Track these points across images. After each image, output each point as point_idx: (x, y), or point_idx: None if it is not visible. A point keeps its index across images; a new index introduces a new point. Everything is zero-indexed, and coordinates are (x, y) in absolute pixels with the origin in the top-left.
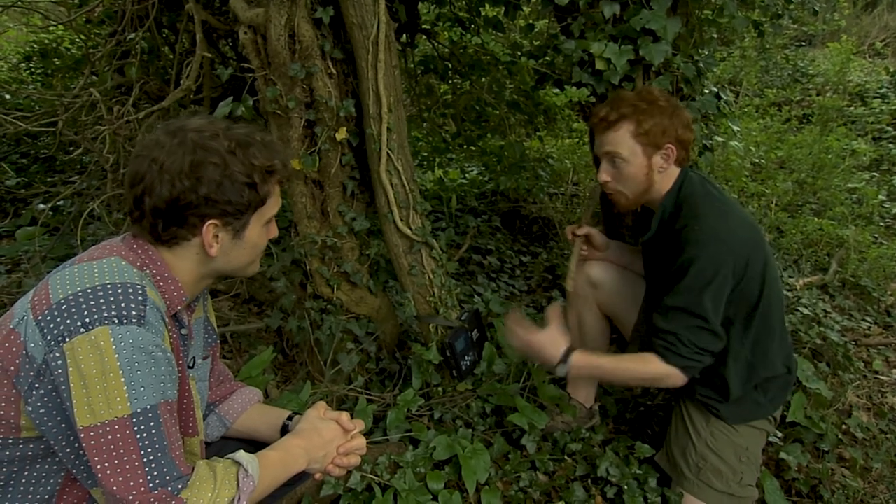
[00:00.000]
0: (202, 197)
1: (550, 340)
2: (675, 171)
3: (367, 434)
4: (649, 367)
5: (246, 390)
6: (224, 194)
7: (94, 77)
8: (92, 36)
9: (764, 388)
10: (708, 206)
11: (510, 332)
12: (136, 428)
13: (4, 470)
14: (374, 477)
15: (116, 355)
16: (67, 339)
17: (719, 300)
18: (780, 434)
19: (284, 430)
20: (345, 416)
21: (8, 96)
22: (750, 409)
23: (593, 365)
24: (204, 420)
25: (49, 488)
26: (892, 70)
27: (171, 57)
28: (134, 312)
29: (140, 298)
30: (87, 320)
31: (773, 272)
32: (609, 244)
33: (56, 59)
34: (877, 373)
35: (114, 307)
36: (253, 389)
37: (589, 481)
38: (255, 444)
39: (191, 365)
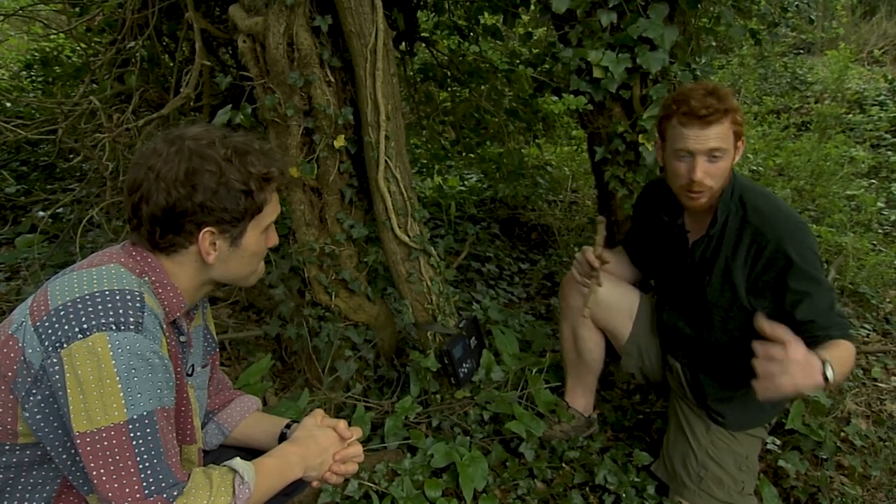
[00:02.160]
0: (197, 205)
1: (805, 358)
2: None
3: (364, 441)
4: (850, 350)
5: (244, 399)
6: (220, 202)
7: (94, 85)
8: (92, 44)
9: None
10: (770, 197)
11: (768, 380)
12: (132, 434)
13: (1, 476)
14: (371, 484)
15: (113, 361)
16: (65, 346)
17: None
18: (778, 441)
19: (282, 439)
20: (342, 423)
21: (8, 104)
22: (754, 416)
23: (838, 362)
24: (202, 428)
25: (46, 494)
26: (890, 78)
27: (171, 65)
28: (132, 319)
29: (138, 305)
30: (85, 326)
31: None
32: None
33: (56, 67)
34: (875, 380)
35: (111, 314)
36: (251, 398)
37: (587, 489)
38: (253, 453)
39: (189, 372)
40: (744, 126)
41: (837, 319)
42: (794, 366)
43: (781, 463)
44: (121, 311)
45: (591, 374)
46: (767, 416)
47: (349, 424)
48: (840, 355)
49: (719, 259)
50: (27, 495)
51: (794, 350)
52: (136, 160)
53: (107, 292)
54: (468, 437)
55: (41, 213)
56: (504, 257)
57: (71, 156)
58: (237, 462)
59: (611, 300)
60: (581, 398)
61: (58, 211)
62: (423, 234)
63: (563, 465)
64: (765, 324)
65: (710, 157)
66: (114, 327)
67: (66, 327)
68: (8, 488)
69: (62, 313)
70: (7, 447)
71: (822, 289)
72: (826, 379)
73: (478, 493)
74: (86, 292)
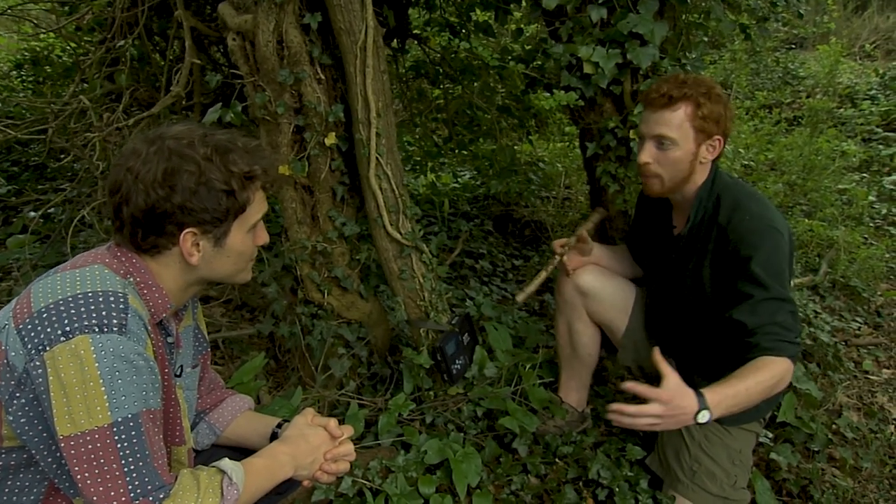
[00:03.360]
0: (177, 206)
1: (679, 392)
2: (709, 165)
3: (358, 439)
4: (772, 370)
5: (236, 398)
6: (200, 202)
7: (85, 84)
8: (82, 43)
9: None
10: (748, 197)
11: (620, 414)
12: (116, 437)
13: None
14: (365, 482)
15: (97, 364)
16: (48, 348)
17: (789, 283)
18: (770, 434)
19: (274, 438)
20: (333, 422)
21: None
22: (746, 412)
23: (729, 399)
24: (194, 428)
25: (32, 498)
26: (881, 72)
27: (161, 63)
28: (115, 321)
29: (121, 307)
30: (68, 329)
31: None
32: (593, 246)
33: (47, 67)
34: (867, 373)
35: (94, 316)
36: (244, 397)
37: (580, 484)
38: (245, 452)
39: (178, 373)
40: (719, 124)
41: (773, 329)
42: (665, 419)
43: (773, 455)
44: (104, 312)
45: (585, 368)
46: (761, 411)
47: (343, 422)
48: (740, 379)
49: (692, 254)
50: (14, 498)
51: (657, 407)
52: (117, 161)
53: (90, 294)
54: (462, 434)
55: (32, 214)
56: (497, 254)
57: (62, 155)
58: (225, 463)
59: (606, 294)
60: (575, 393)
61: (49, 211)
62: (414, 231)
63: (557, 460)
64: (630, 385)
65: (658, 143)
66: (97, 329)
67: (49, 330)
68: None
69: (45, 315)
70: None
71: (769, 295)
72: (700, 422)
73: (471, 488)
74: (69, 294)
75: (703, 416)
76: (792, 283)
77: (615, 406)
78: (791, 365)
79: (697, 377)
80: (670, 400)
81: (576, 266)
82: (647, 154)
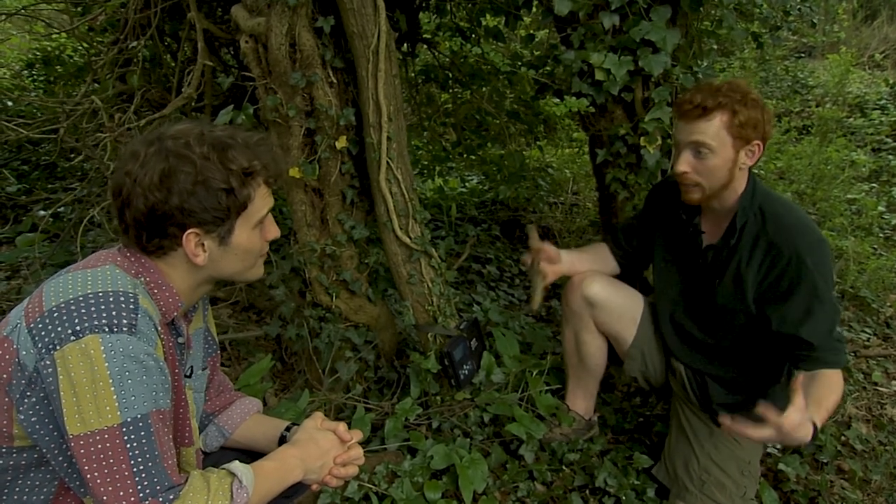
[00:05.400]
0: (175, 207)
1: (801, 420)
2: (746, 172)
3: (364, 443)
4: (840, 383)
5: (245, 401)
6: (198, 202)
7: (96, 84)
8: (94, 44)
9: (773, 399)
10: (790, 209)
11: (743, 430)
12: (126, 437)
13: None
14: (371, 486)
15: (106, 364)
16: (58, 347)
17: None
18: (778, 445)
19: (282, 441)
20: (342, 426)
21: (10, 103)
22: (758, 421)
23: (824, 415)
24: (203, 430)
25: (43, 497)
26: (891, 81)
27: (173, 65)
28: (125, 321)
29: (132, 307)
30: (78, 328)
31: None
32: (560, 253)
33: (58, 67)
34: (876, 384)
35: (104, 315)
36: (252, 400)
37: (587, 492)
38: (253, 455)
39: (188, 374)
40: (756, 129)
41: (834, 344)
42: (789, 434)
43: (782, 466)
44: (114, 312)
45: (592, 378)
46: None
47: (349, 426)
48: (827, 398)
49: (732, 263)
50: (25, 497)
51: (770, 432)
52: (118, 164)
53: (100, 294)
54: (468, 439)
55: (42, 213)
56: (505, 259)
57: (72, 155)
58: (236, 465)
59: (615, 304)
60: (581, 401)
61: (59, 210)
62: (424, 235)
63: (563, 467)
64: (732, 425)
65: (695, 151)
66: (107, 329)
67: (60, 329)
68: (6, 491)
69: (55, 315)
70: (4, 450)
71: (827, 308)
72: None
73: (477, 495)
74: (79, 294)
75: (818, 432)
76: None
77: (729, 422)
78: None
79: (710, 379)
80: (791, 430)
81: (551, 273)
82: (684, 163)
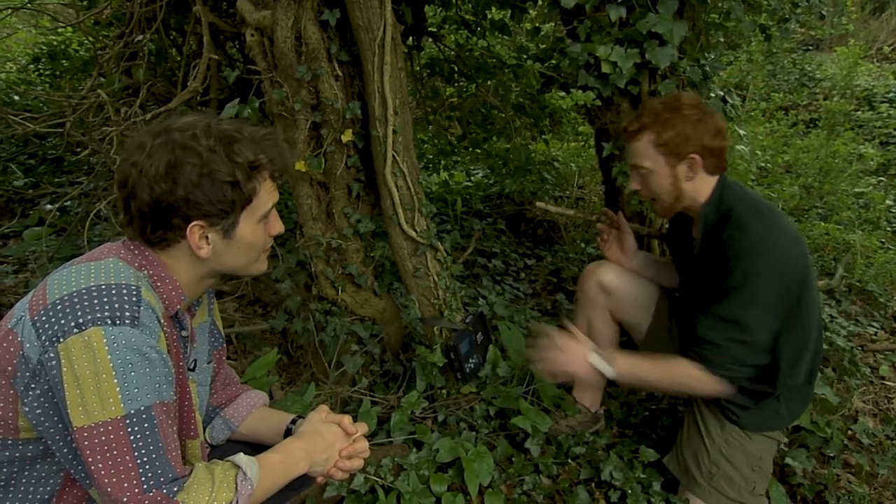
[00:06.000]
0: (180, 199)
1: (571, 346)
2: (709, 180)
3: (370, 436)
4: (690, 374)
5: (251, 394)
6: (204, 195)
7: (102, 79)
8: (100, 38)
9: (787, 399)
10: (754, 216)
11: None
12: (129, 429)
13: (4, 470)
14: (377, 479)
15: (109, 356)
16: (61, 340)
17: (769, 314)
18: (785, 439)
19: (288, 434)
20: (347, 419)
21: (17, 97)
22: (770, 419)
23: (636, 373)
24: (209, 423)
25: (49, 488)
26: None
27: (179, 59)
28: (127, 314)
29: (134, 299)
30: (81, 321)
31: (814, 284)
32: (637, 253)
33: (64, 61)
34: (883, 378)
35: (107, 308)
36: (258, 393)
37: (593, 485)
38: (259, 448)
39: (191, 368)
40: (688, 143)
41: (706, 350)
42: (563, 352)
43: (788, 460)
44: (116, 305)
45: None
46: (784, 420)
47: (355, 419)
48: (651, 370)
49: (698, 270)
50: (31, 489)
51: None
52: (124, 155)
53: (103, 287)
54: (474, 433)
55: (49, 207)
56: (510, 253)
57: (78, 149)
58: (240, 457)
59: (630, 292)
60: (589, 394)
61: (65, 204)
62: (430, 229)
63: (569, 460)
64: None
65: (637, 172)
66: (109, 322)
67: (63, 321)
68: (13, 482)
69: (59, 307)
70: (10, 442)
71: (731, 325)
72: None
73: (483, 488)
74: (82, 286)
75: (597, 361)
76: (813, 296)
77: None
78: (716, 382)
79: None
80: (558, 349)
81: (612, 257)
82: (634, 182)
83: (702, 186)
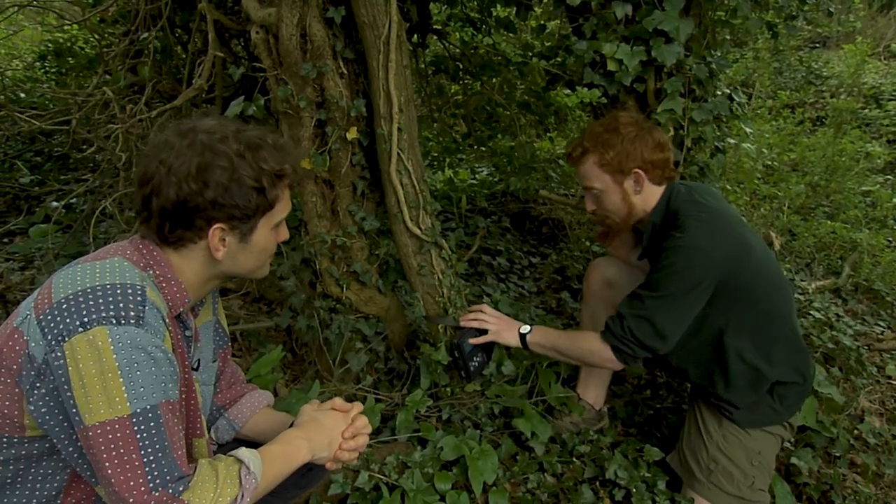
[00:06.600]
0: (208, 201)
1: (494, 317)
2: (657, 189)
3: (375, 434)
4: (590, 345)
5: (256, 394)
6: (231, 198)
7: (108, 76)
8: (106, 35)
9: (780, 395)
10: (692, 217)
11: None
12: (136, 428)
13: (11, 467)
14: (381, 476)
15: (114, 355)
16: (67, 339)
17: (679, 304)
18: (791, 439)
19: None
20: (338, 400)
21: (23, 95)
22: (764, 415)
23: (549, 339)
24: (214, 423)
25: (55, 485)
26: None
27: (184, 56)
28: (132, 313)
29: (139, 299)
30: (86, 320)
31: (770, 281)
32: (638, 248)
33: (70, 58)
34: (890, 378)
35: (112, 307)
36: (263, 393)
37: (597, 484)
38: None
39: (195, 367)
40: (630, 159)
41: (612, 320)
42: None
43: (794, 460)
44: (121, 304)
45: None
46: (780, 415)
47: None
48: (562, 336)
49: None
50: (37, 486)
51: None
52: (148, 152)
53: (108, 286)
54: (478, 431)
55: (55, 204)
56: (515, 251)
57: (84, 146)
58: (242, 452)
59: (633, 286)
60: (593, 390)
61: (71, 201)
62: (434, 226)
63: (574, 459)
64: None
65: (590, 193)
66: (114, 321)
67: (68, 321)
68: (19, 479)
69: (64, 307)
70: (16, 440)
71: (637, 297)
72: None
73: (487, 486)
74: (87, 286)
75: (524, 329)
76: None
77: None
78: (610, 353)
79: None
80: (485, 318)
81: (615, 253)
82: (588, 204)
83: (651, 197)
